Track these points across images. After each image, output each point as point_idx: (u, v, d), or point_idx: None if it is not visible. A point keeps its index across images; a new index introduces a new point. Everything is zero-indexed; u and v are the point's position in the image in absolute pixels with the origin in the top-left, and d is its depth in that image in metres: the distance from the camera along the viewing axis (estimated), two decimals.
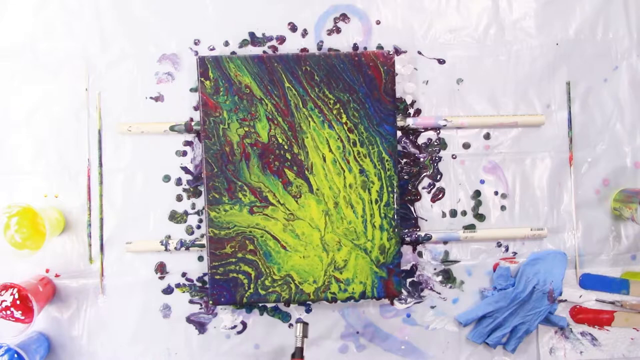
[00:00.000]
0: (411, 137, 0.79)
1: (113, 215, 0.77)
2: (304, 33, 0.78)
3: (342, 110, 0.74)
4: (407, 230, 0.78)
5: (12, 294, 0.72)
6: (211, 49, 0.78)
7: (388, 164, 0.75)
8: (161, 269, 0.77)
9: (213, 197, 0.73)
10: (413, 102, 0.79)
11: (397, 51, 0.79)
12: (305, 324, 0.69)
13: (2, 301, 0.72)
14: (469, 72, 0.79)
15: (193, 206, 0.77)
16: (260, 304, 0.77)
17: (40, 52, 0.77)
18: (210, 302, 0.75)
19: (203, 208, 0.76)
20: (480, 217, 0.79)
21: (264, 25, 0.78)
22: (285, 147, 0.74)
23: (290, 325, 0.78)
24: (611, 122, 0.80)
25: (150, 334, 0.77)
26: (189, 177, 0.77)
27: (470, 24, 0.79)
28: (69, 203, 0.77)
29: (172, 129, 0.76)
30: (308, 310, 0.78)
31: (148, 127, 0.76)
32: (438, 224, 0.79)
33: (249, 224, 0.74)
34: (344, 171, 0.74)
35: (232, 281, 0.74)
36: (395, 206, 0.75)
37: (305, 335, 0.68)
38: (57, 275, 0.77)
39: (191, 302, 0.77)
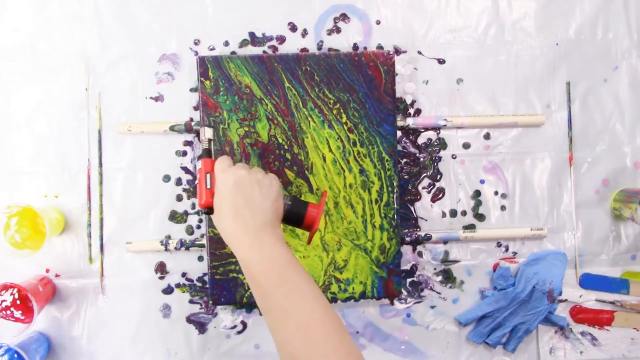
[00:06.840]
0: (411, 137, 0.79)
1: (113, 215, 0.77)
2: (304, 33, 0.78)
3: (342, 110, 0.74)
4: (407, 230, 0.78)
5: (12, 294, 0.72)
6: (211, 49, 0.78)
7: (388, 164, 0.75)
8: (161, 269, 0.77)
9: None
10: (413, 102, 0.79)
11: (397, 51, 0.79)
12: (213, 126, 0.65)
13: (2, 301, 0.72)
14: (469, 72, 0.79)
15: (193, 206, 0.77)
16: None
17: (40, 52, 0.77)
18: (210, 302, 0.75)
19: None
20: (480, 217, 0.79)
21: (264, 25, 0.78)
22: (285, 147, 0.74)
23: None
24: (611, 122, 0.80)
25: (150, 334, 0.77)
26: (189, 177, 0.77)
27: (470, 24, 0.79)
28: (69, 203, 0.77)
29: (172, 129, 0.76)
30: None
31: (148, 127, 0.76)
32: (438, 224, 0.79)
33: None
34: (344, 171, 0.74)
35: (232, 281, 0.74)
36: (395, 206, 0.75)
37: (212, 138, 0.64)
38: (57, 275, 0.77)
39: (191, 302, 0.77)
